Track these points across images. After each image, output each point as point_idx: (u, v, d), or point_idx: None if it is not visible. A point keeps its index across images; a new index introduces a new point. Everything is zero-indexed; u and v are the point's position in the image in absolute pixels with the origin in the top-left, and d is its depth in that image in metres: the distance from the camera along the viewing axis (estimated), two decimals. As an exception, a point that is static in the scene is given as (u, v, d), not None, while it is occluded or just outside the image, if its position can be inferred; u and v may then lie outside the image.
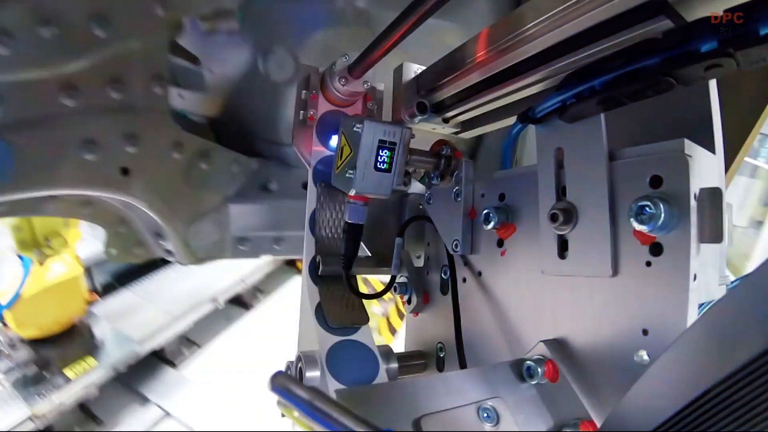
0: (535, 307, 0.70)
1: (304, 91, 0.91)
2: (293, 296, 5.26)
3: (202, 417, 4.48)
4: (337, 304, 0.81)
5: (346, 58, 0.85)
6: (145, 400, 4.54)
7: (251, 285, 5.69)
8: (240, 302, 5.65)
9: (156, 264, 5.24)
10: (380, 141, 0.72)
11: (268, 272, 5.94)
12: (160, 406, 4.53)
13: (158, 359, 4.81)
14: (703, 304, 0.55)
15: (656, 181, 0.55)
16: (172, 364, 4.87)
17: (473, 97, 0.77)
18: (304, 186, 1.21)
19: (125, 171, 0.99)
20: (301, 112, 0.91)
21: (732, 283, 0.65)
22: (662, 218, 0.52)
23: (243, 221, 1.27)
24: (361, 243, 0.85)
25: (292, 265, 6.08)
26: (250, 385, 4.37)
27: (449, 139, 0.88)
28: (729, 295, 0.36)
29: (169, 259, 1.31)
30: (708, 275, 0.59)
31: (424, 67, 0.87)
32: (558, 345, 0.65)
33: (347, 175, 0.72)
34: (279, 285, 6.05)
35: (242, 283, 5.53)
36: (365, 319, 0.82)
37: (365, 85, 0.86)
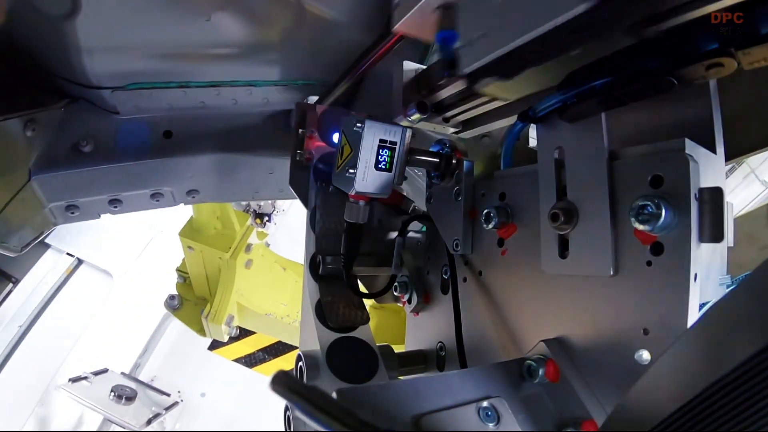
0: (535, 307, 0.70)
1: (300, 131, 0.90)
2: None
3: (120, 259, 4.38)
4: (337, 304, 0.81)
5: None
6: (55, 250, 4.49)
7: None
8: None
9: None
10: (381, 141, 0.72)
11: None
12: (70, 254, 4.48)
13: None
14: (704, 303, 0.55)
15: (657, 181, 0.55)
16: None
17: (474, 97, 0.77)
18: (129, 139, 1.05)
19: None
20: (298, 152, 0.90)
21: (732, 282, 0.65)
22: (663, 218, 0.52)
23: (61, 190, 1.08)
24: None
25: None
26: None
27: (449, 138, 0.88)
28: (729, 295, 0.36)
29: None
30: (709, 275, 0.58)
31: (424, 67, 0.87)
32: (558, 344, 0.65)
33: (348, 174, 0.72)
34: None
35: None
36: (365, 319, 0.82)
37: None
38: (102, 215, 1.23)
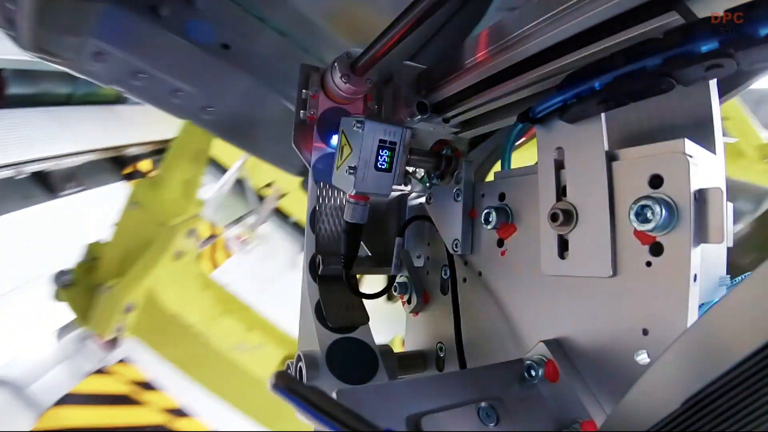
0: (535, 307, 0.70)
1: (304, 91, 0.90)
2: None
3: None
4: (337, 304, 0.81)
5: (348, 54, 0.84)
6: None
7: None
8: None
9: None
10: (380, 141, 0.72)
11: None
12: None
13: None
14: (703, 304, 0.55)
15: (656, 181, 0.55)
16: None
17: (474, 97, 0.77)
18: (200, 35, 1.18)
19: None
20: (301, 111, 0.90)
21: (732, 283, 0.65)
22: (662, 218, 0.52)
23: (109, 31, 1.10)
24: (361, 243, 0.85)
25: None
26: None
27: (449, 138, 0.88)
28: (729, 296, 0.36)
29: (8, 33, 1.09)
30: (708, 275, 0.59)
31: (424, 67, 0.87)
32: (558, 345, 0.65)
33: (347, 174, 0.72)
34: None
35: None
36: (365, 320, 0.82)
37: (367, 83, 0.86)
38: (119, 84, 1.26)
